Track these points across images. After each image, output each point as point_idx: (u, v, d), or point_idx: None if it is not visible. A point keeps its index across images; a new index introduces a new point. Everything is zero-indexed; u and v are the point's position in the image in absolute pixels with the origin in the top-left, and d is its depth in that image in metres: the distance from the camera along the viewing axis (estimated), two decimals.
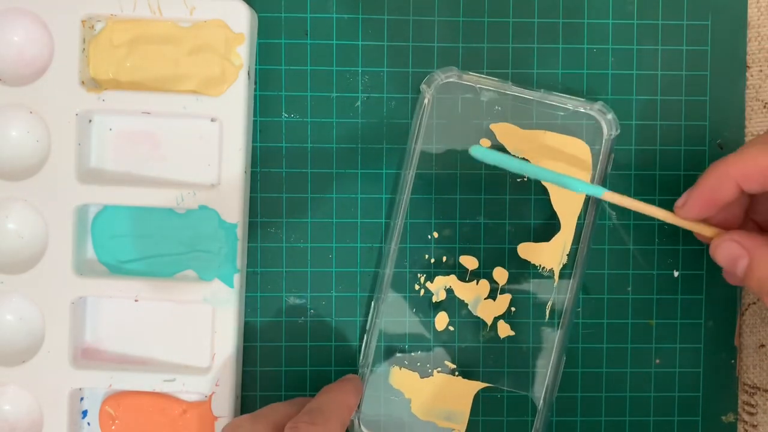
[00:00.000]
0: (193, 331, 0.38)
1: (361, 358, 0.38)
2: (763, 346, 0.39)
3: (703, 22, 0.38)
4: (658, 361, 0.39)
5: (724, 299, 0.39)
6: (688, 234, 0.39)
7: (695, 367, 0.39)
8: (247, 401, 0.39)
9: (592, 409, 0.39)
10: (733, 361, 0.39)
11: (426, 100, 0.37)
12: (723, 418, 0.39)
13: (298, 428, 0.31)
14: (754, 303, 0.39)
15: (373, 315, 0.38)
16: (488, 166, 0.36)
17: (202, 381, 0.37)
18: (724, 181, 0.32)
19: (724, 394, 0.39)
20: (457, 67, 0.37)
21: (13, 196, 0.37)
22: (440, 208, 0.38)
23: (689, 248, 0.39)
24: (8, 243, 0.38)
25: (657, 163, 0.38)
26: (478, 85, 0.37)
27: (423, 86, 0.37)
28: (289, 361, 0.39)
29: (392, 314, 0.38)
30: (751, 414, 0.39)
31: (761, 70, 0.39)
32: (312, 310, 0.39)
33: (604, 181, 0.37)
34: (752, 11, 0.38)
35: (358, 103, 0.38)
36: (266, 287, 0.39)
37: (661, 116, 0.38)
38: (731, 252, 0.32)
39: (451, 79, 0.37)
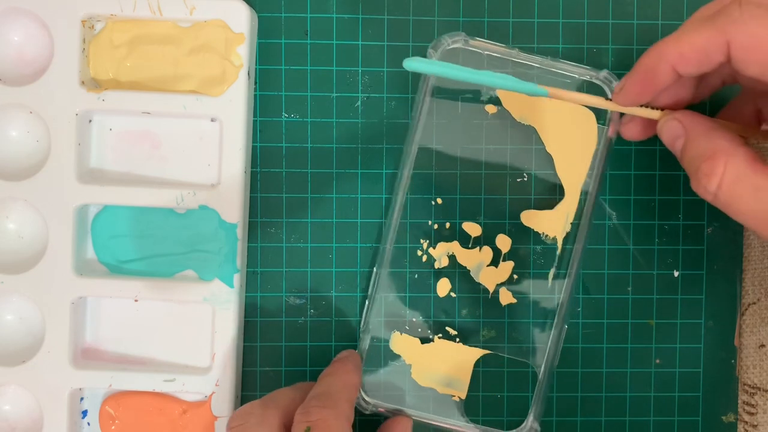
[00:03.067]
0: (193, 331, 0.38)
1: (362, 323, 0.38)
2: (763, 346, 0.39)
3: None
4: (658, 361, 0.39)
5: (724, 299, 0.39)
6: (688, 234, 0.39)
7: (695, 367, 0.39)
8: (247, 401, 0.38)
9: (592, 409, 0.39)
10: (733, 361, 0.39)
11: None
12: (723, 418, 0.39)
13: (310, 413, 0.31)
14: (754, 303, 0.39)
15: (375, 280, 0.38)
16: (494, 131, 0.37)
17: (202, 381, 0.37)
18: (659, 63, 0.31)
19: (724, 394, 0.39)
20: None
21: (13, 196, 0.37)
22: (443, 173, 0.38)
23: (689, 248, 0.39)
24: (8, 243, 0.38)
25: (657, 164, 0.38)
26: (486, 51, 0.37)
27: (430, 50, 0.37)
28: (289, 361, 0.39)
29: (394, 280, 0.38)
30: (751, 414, 0.39)
31: None
32: (312, 310, 0.39)
33: (609, 148, 0.37)
34: None
35: (358, 103, 0.38)
36: (266, 287, 0.39)
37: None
38: (673, 131, 0.32)
39: (457, 44, 0.37)
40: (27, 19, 0.37)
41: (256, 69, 0.38)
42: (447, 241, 0.38)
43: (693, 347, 0.39)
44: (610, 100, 0.34)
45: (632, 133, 0.34)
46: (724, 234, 0.39)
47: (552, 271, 0.38)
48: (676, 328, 0.39)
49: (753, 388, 0.39)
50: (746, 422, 0.39)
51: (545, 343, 0.38)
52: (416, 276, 0.38)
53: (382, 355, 0.38)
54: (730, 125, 0.34)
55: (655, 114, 0.34)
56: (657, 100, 0.33)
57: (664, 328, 0.39)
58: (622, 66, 0.38)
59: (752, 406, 0.39)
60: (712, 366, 0.39)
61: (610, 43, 0.38)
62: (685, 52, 0.30)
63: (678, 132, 0.32)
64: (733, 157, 0.30)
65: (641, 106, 0.33)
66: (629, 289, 0.39)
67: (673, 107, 0.33)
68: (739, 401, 0.39)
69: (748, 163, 0.30)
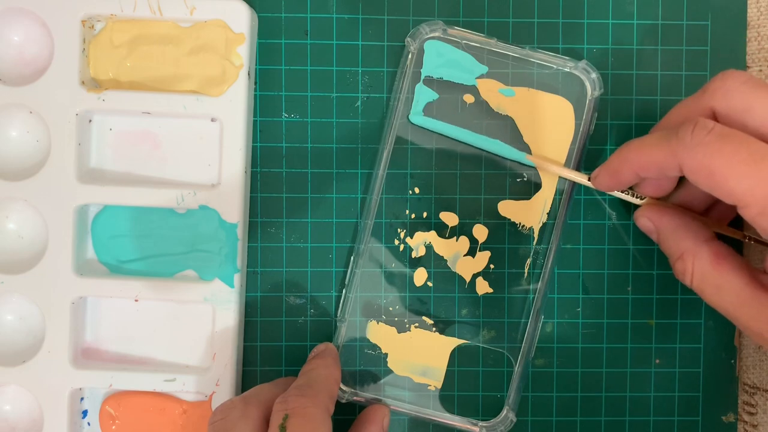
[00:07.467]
0: (193, 331, 0.38)
1: (339, 311, 0.38)
2: (763, 345, 0.39)
3: (703, 22, 0.38)
4: (658, 361, 0.39)
5: None
6: None
7: (695, 367, 0.39)
8: None
9: (592, 409, 0.39)
10: (733, 361, 0.39)
11: (410, 54, 0.37)
12: (723, 418, 0.39)
13: (288, 401, 0.32)
14: None
15: (352, 268, 0.38)
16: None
17: (202, 381, 0.37)
18: (623, 166, 0.34)
19: (724, 394, 0.39)
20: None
21: (13, 196, 0.37)
22: (420, 162, 0.38)
23: None
24: (8, 243, 0.38)
25: None
26: (464, 41, 0.37)
27: (408, 39, 0.37)
28: (289, 361, 0.39)
29: (371, 268, 0.38)
30: (751, 414, 0.39)
31: (761, 70, 0.39)
32: (312, 310, 0.39)
33: (586, 141, 0.37)
34: (752, 11, 0.38)
35: (358, 103, 0.38)
36: (266, 287, 0.39)
37: (660, 116, 0.38)
38: (645, 227, 0.36)
39: (436, 33, 0.37)
40: (27, 19, 0.37)
41: (256, 69, 0.38)
42: (424, 231, 0.38)
43: (693, 347, 0.39)
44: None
45: (601, 186, 0.36)
46: (723, 234, 0.39)
47: (528, 261, 0.38)
48: (676, 328, 0.39)
49: (753, 388, 0.39)
50: (746, 422, 0.39)
51: (521, 334, 0.38)
52: (393, 265, 0.38)
53: (359, 344, 0.38)
54: (699, 219, 0.36)
55: (636, 201, 0.36)
56: (641, 189, 0.36)
57: (664, 328, 0.39)
58: (624, 66, 0.38)
59: (752, 406, 0.39)
60: (712, 366, 0.39)
61: (610, 43, 0.38)
62: (644, 164, 0.33)
63: (649, 228, 0.36)
64: (698, 257, 0.33)
65: (625, 191, 0.36)
66: (629, 289, 0.39)
67: (656, 195, 0.36)
68: (739, 401, 0.39)
69: (711, 261, 0.33)
